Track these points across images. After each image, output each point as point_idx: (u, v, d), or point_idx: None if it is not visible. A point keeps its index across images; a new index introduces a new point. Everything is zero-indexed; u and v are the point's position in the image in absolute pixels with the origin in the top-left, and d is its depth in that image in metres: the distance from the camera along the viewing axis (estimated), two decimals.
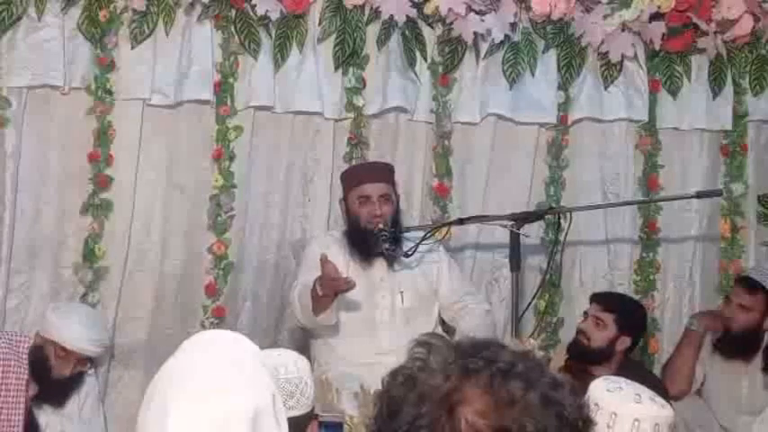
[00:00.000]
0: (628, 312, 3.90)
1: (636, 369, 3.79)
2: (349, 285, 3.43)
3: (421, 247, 3.70)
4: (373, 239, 3.68)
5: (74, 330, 3.52)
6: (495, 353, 1.23)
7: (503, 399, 1.19)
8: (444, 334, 3.67)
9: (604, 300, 3.92)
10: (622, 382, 2.26)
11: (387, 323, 3.71)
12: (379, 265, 3.76)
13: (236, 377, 1.47)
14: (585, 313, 3.91)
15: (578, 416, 1.22)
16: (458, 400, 1.19)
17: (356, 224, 3.75)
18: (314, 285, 3.50)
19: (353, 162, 4.13)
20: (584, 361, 3.72)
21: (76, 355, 3.54)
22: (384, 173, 3.85)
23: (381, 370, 3.42)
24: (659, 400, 2.22)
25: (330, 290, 3.46)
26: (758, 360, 4.00)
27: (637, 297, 4.43)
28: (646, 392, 2.21)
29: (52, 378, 3.49)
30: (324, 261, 3.42)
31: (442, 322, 3.87)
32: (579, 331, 3.87)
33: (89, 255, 3.92)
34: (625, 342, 3.83)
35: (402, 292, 3.74)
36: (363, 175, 3.83)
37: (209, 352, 1.51)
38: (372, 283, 3.74)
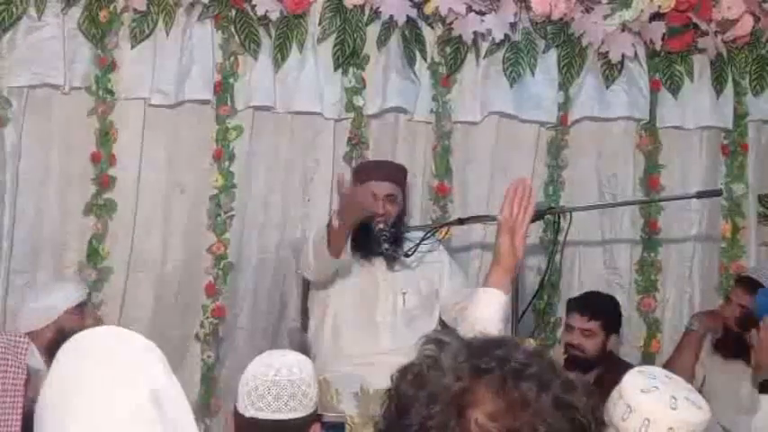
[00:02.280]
0: (610, 314, 3.97)
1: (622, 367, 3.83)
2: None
3: (422, 248, 3.70)
4: (375, 238, 3.69)
5: (64, 292, 3.55)
6: (507, 352, 1.20)
7: (515, 401, 1.17)
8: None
9: (586, 308, 3.92)
10: (658, 378, 2.15)
11: (388, 323, 3.71)
12: (380, 264, 3.76)
13: (122, 368, 1.45)
14: (567, 325, 3.92)
15: (591, 419, 1.20)
16: (468, 402, 1.17)
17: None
18: (329, 222, 3.49)
19: (353, 162, 4.14)
20: (583, 371, 3.72)
21: (82, 308, 3.55)
22: (394, 173, 3.85)
23: (381, 369, 3.43)
24: (696, 398, 2.13)
25: (349, 207, 3.42)
26: None
27: (638, 297, 4.44)
28: (682, 392, 2.11)
29: None
30: (341, 180, 3.42)
31: (443, 324, 3.86)
32: (570, 345, 3.87)
33: (93, 255, 3.93)
34: (613, 339, 3.93)
35: (404, 294, 3.74)
36: (373, 172, 3.84)
37: (90, 354, 1.49)
38: (374, 282, 3.74)
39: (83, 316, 3.53)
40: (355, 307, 3.70)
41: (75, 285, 3.69)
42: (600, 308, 3.96)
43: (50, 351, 3.38)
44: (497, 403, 1.16)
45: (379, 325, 3.71)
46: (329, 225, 3.49)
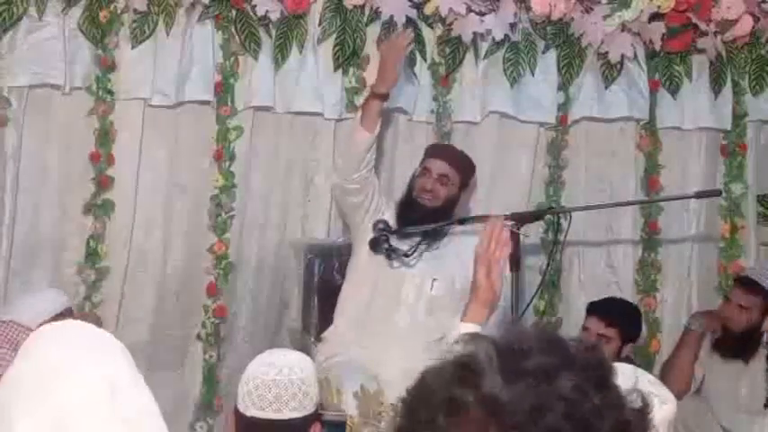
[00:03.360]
0: (630, 323, 3.92)
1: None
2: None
3: (422, 246, 3.71)
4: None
5: (42, 304, 3.38)
6: (557, 385, 0.96)
7: None
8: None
9: (606, 314, 3.86)
10: (618, 375, 2.18)
11: (410, 304, 3.72)
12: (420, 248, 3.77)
13: (81, 357, 1.38)
14: (585, 328, 3.88)
15: None
16: None
17: (409, 191, 3.82)
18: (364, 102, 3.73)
19: None
20: None
21: (65, 318, 3.46)
22: (455, 158, 3.89)
23: (390, 370, 3.42)
24: (662, 392, 2.13)
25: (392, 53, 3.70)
26: (757, 360, 4.01)
27: (638, 297, 4.44)
28: (643, 387, 2.14)
29: None
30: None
31: None
32: None
33: (91, 255, 3.93)
34: (627, 349, 3.86)
35: (434, 280, 3.74)
36: (436, 150, 3.93)
37: (54, 342, 1.42)
38: (407, 263, 3.74)
39: None
40: (386, 278, 3.71)
41: (52, 296, 3.49)
42: (620, 315, 3.89)
43: None
44: None
45: (402, 301, 3.71)
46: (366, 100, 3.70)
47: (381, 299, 3.72)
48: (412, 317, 3.69)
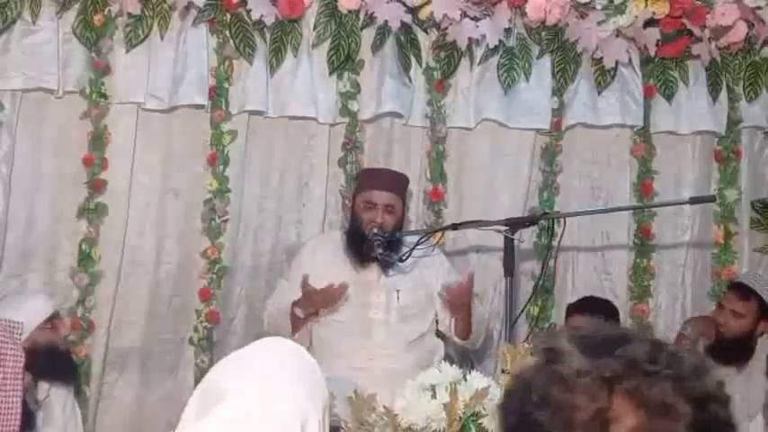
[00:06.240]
0: (609, 316, 3.97)
1: None
2: (341, 290, 3.61)
3: (419, 252, 3.70)
4: (368, 244, 3.69)
5: (33, 308, 3.45)
6: (630, 351, 1.12)
7: (655, 409, 1.10)
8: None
9: (584, 309, 4.02)
10: None
11: (381, 321, 3.72)
12: (375, 267, 3.77)
13: (283, 389, 1.51)
14: (570, 327, 3.98)
15: (727, 416, 1.14)
16: (608, 420, 1.10)
17: (356, 226, 3.78)
18: (292, 309, 3.66)
19: (348, 167, 4.15)
20: None
21: (54, 321, 3.50)
22: (395, 184, 3.87)
23: (375, 374, 3.42)
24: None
25: (321, 303, 3.65)
26: (750, 366, 4.01)
27: (631, 303, 4.44)
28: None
29: (62, 352, 3.53)
30: (304, 283, 3.59)
31: (437, 332, 3.86)
32: None
33: (85, 259, 3.92)
34: None
35: (398, 291, 3.75)
36: (374, 180, 3.86)
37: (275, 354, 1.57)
38: (367, 284, 3.75)
39: (55, 329, 3.48)
40: (348, 307, 3.70)
41: (43, 299, 3.56)
42: (599, 308, 4.03)
43: (27, 366, 3.41)
44: (638, 415, 1.10)
45: (372, 322, 3.72)
46: (293, 310, 3.69)
47: (352, 326, 3.71)
48: (386, 330, 3.71)
